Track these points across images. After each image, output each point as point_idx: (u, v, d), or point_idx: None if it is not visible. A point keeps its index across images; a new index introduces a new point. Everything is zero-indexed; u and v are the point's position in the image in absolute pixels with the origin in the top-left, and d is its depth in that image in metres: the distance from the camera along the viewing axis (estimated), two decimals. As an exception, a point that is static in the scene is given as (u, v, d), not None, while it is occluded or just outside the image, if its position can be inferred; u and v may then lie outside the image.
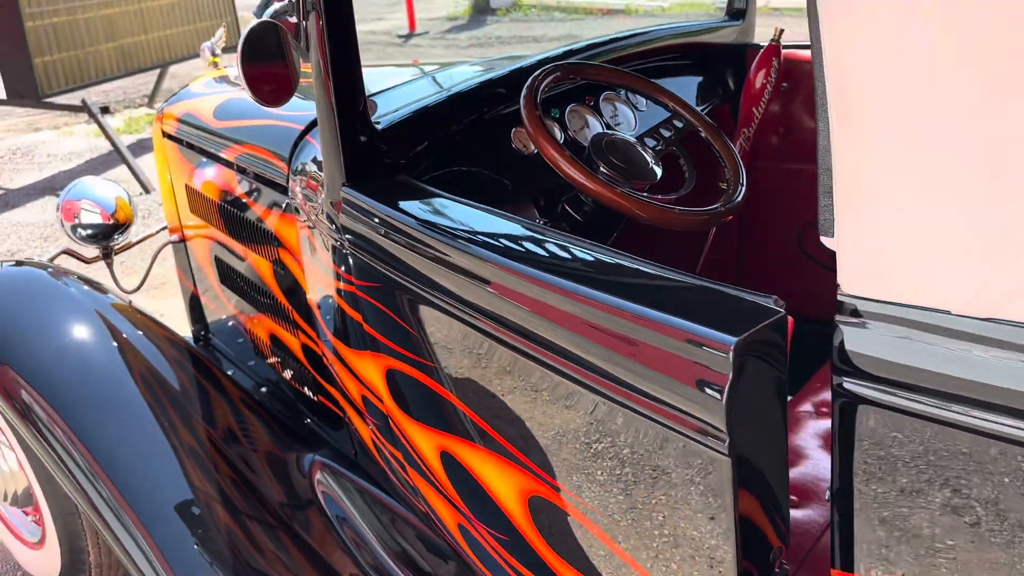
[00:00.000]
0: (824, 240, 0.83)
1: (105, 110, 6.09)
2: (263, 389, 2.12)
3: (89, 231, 2.25)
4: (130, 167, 5.58)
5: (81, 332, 1.88)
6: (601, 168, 1.46)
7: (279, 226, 1.72)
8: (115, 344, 1.87)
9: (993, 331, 0.73)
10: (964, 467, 0.77)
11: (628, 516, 1.04)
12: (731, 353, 0.83)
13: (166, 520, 1.64)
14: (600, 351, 0.98)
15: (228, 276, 2.10)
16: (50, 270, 2.07)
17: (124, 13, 6.43)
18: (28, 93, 5.94)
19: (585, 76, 1.66)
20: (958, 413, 0.76)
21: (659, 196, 1.53)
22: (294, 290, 1.78)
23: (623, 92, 1.72)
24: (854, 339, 0.80)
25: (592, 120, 1.67)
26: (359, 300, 1.41)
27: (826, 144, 0.79)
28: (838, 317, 0.81)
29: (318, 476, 1.82)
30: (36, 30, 5.79)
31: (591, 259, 1.10)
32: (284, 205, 1.69)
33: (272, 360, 2.01)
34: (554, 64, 1.58)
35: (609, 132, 1.62)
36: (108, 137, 5.79)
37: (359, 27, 1.29)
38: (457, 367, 1.26)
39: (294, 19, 1.25)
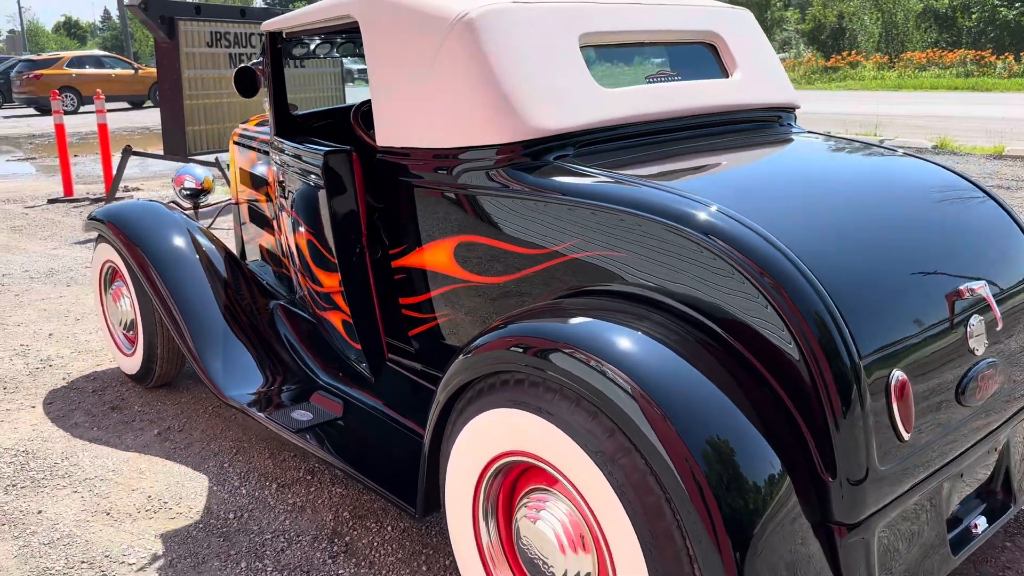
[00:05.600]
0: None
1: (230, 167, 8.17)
2: (261, 273, 3.82)
3: (187, 192, 4.06)
4: (240, 208, 7.59)
5: (178, 238, 3.60)
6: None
7: (267, 174, 3.47)
8: (195, 246, 3.59)
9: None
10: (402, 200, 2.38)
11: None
12: (323, 159, 2.50)
13: (205, 330, 3.29)
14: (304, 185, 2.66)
15: (251, 214, 3.84)
16: (164, 207, 3.85)
17: (256, 102, 8.65)
18: (179, 151, 8.13)
19: None
20: (405, 186, 2.38)
21: None
22: (274, 208, 3.50)
23: None
24: (384, 163, 2.45)
25: None
26: (282, 186, 3.11)
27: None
28: (380, 154, 2.46)
29: (277, 312, 3.48)
30: (191, 107, 8.01)
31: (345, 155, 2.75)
32: (270, 161, 3.44)
33: (266, 256, 3.72)
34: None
35: None
36: (230, 184, 7.83)
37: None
38: (306, 201, 2.91)
39: (261, 68, 3.05)
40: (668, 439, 1.57)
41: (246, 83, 3.02)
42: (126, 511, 2.82)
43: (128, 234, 3.56)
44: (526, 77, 2.14)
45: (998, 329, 1.94)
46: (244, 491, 2.93)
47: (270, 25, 2.92)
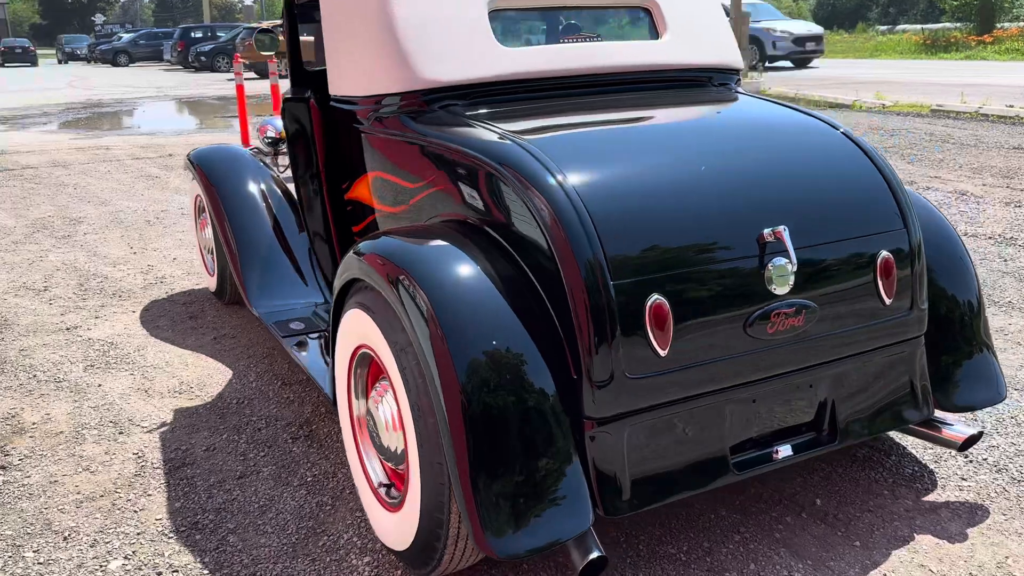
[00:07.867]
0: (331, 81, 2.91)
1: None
2: (304, 207, 4.41)
3: (268, 140, 4.71)
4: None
5: (252, 181, 4.24)
6: None
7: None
8: (263, 188, 4.22)
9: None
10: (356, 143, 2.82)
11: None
12: (283, 105, 2.97)
13: (250, 253, 3.92)
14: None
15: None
16: (246, 153, 4.52)
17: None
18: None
19: None
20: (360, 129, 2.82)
21: None
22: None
23: None
24: (335, 108, 2.90)
25: None
26: (289, 128, 3.63)
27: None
28: (332, 101, 2.91)
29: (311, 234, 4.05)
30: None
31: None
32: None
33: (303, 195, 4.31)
34: None
35: None
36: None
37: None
38: (305, 145, 3.42)
39: (282, 31, 3.57)
40: (440, 352, 1.91)
41: (266, 42, 3.58)
42: (159, 391, 3.50)
43: (206, 172, 4.24)
44: (427, 35, 2.50)
45: (792, 270, 2.11)
46: (255, 385, 3.53)
47: (285, -6, 3.45)
